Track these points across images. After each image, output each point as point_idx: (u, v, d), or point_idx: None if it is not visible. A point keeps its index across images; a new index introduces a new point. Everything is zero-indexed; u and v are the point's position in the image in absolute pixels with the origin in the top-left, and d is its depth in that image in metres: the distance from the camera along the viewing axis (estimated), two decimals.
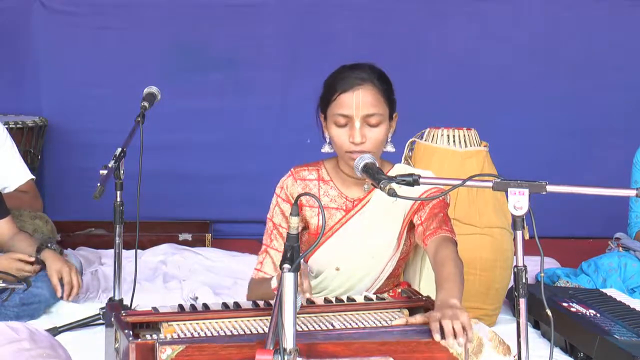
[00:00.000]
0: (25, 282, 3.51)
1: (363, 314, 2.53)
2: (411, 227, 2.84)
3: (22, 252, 3.55)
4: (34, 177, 3.99)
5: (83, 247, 4.65)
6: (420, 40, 5.22)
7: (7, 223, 3.59)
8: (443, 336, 2.28)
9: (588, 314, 3.32)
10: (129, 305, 3.19)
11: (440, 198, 2.77)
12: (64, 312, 3.61)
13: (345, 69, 2.78)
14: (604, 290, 3.72)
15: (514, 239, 2.20)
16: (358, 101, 2.70)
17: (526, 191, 2.18)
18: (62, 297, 3.55)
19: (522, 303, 2.20)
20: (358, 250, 2.82)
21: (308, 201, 2.86)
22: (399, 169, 2.89)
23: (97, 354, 2.82)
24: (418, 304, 2.59)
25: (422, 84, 5.10)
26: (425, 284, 2.88)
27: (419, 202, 2.78)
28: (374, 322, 2.47)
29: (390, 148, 2.82)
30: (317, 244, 2.08)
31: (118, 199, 3.13)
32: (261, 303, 2.52)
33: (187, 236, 4.93)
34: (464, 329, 2.29)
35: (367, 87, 2.72)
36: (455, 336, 2.28)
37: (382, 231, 2.83)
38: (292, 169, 2.91)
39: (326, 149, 2.83)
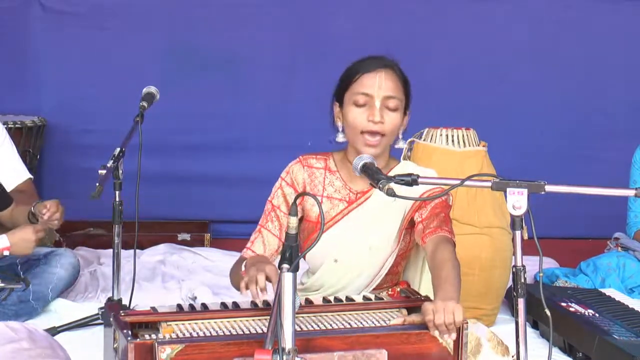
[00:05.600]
0: (24, 282, 3.51)
1: (362, 313, 2.54)
2: (411, 224, 2.84)
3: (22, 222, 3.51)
4: (31, 176, 3.99)
5: (82, 246, 4.65)
6: (420, 40, 5.21)
7: (9, 210, 3.59)
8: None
9: (587, 313, 3.32)
10: (127, 305, 3.19)
11: (443, 198, 2.78)
12: (63, 312, 3.61)
13: (367, 57, 2.84)
14: (603, 290, 3.72)
15: (513, 239, 2.20)
16: (381, 82, 2.77)
17: (525, 191, 2.18)
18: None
19: (521, 303, 2.20)
20: (357, 242, 2.83)
21: (312, 189, 2.87)
22: (404, 166, 2.90)
23: (96, 353, 2.82)
24: (416, 304, 2.58)
25: (421, 83, 5.04)
26: (425, 285, 2.88)
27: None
28: (373, 322, 2.47)
29: (401, 144, 2.85)
30: (317, 242, 2.08)
31: (117, 199, 3.13)
32: (260, 303, 2.52)
33: (186, 236, 4.93)
34: (455, 322, 2.34)
35: (389, 71, 2.80)
36: (447, 330, 2.34)
37: (382, 226, 2.83)
38: (300, 156, 2.94)
39: (340, 138, 2.85)
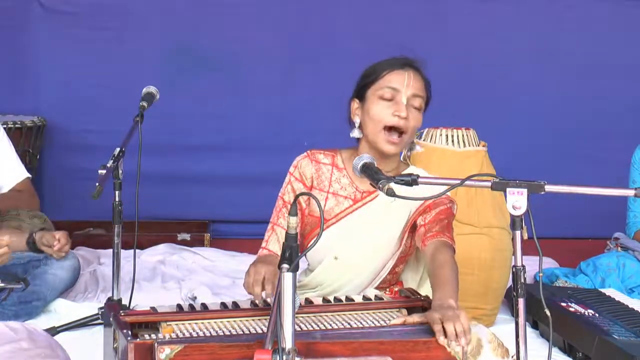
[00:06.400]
0: (23, 282, 3.51)
1: (362, 313, 2.53)
2: (414, 228, 2.84)
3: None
4: (30, 175, 4.00)
5: (82, 247, 4.65)
6: (420, 40, 5.20)
7: None
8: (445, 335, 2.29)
9: (587, 313, 3.32)
10: (127, 305, 3.19)
11: (447, 206, 2.78)
12: (63, 311, 3.61)
13: (393, 57, 2.88)
14: (603, 290, 3.72)
15: (513, 239, 2.20)
16: (409, 80, 2.80)
17: (525, 191, 2.18)
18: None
19: (521, 303, 2.20)
20: (359, 242, 2.83)
21: (319, 184, 2.87)
22: (412, 170, 2.89)
23: (96, 354, 2.82)
24: (416, 304, 2.58)
25: None
26: (423, 291, 2.87)
27: (425, 205, 2.79)
28: (372, 322, 2.47)
29: (417, 148, 2.86)
30: (316, 242, 2.07)
31: (117, 199, 3.13)
32: (260, 303, 2.52)
33: (186, 236, 4.93)
34: (464, 330, 2.30)
35: (416, 72, 2.85)
36: (457, 337, 2.29)
37: (385, 227, 2.83)
38: (308, 151, 2.94)
39: (355, 133, 2.85)
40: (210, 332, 2.34)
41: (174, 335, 2.31)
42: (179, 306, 2.49)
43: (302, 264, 2.36)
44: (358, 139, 2.87)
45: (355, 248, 2.84)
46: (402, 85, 2.78)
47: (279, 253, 2.60)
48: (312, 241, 2.05)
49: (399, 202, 2.67)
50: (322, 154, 2.92)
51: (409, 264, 2.98)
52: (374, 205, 2.84)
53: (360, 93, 2.85)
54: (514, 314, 2.22)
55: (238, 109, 5.23)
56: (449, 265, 2.60)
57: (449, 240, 2.73)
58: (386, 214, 2.83)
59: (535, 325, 3.55)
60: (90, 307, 3.60)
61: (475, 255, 3.47)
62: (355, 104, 2.86)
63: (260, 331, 2.35)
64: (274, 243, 2.84)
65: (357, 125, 2.84)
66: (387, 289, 2.85)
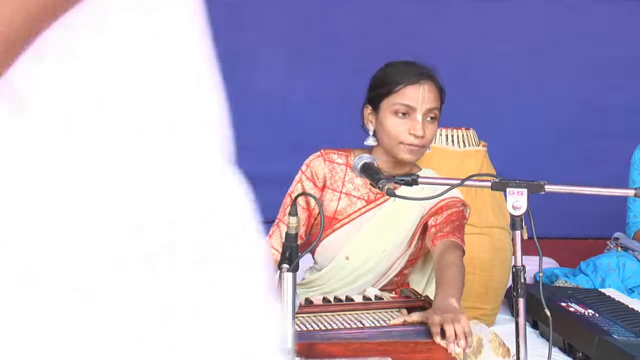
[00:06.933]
0: None
1: (362, 313, 2.53)
2: (424, 229, 2.84)
3: None
4: None
5: None
6: (419, 41, 5.21)
7: None
8: (443, 337, 2.29)
9: (587, 313, 3.32)
10: None
11: (460, 209, 2.79)
12: None
13: (405, 63, 2.78)
14: (603, 290, 3.72)
15: (513, 239, 2.20)
16: (424, 95, 2.71)
17: (525, 191, 2.18)
18: None
19: (521, 303, 2.20)
20: (371, 242, 2.83)
21: (332, 184, 2.86)
22: (425, 173, 2.88)
23: None
24: (416, 304, 2.58)
25: None
26: (429, 293, 2.87)
27: (438, 206, 2.79)
28: (372, 322, 2.47)
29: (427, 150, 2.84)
30: (316, 242, 2.08)
31: None
32: None
33: None
34: (464, 333, 2.30)
35: (431, 82, 2.74)
36: (456, 339, 2.29)
37: (397, 228, 2.83)
38: (321, 150, 2.89)
39: (370, 141, 2.80)
40: None
41: None
42: None
43: (305, 263, 2.37)
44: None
45: (367, 249, 2.84)
46: (417, 101, 2.69)
47: (280, 249, 2.62)
48: (314, 242, 2.06)
49: (412, 203, 2.68)
50: (335, 154, 2.89)
51: (416, 266, 2.98)
52: (388, 207, 2.83)
53: (372, 102, 2.79)
54: (514, 314, 2.23)
55: (238, 109, 5.18)
56: (456, 266, 2.59)
57: (459, 241, 2.72)
58: (399, 215, 2.83)
59: (535, 325, 3.55)
60: None
61: (475, 255, 3.47)
62: (368, 110, 2.81)
63: None
64: (276, 238, 2.84)
65: (371, 132, 2.79)
66: (393, 292, 2.85)
